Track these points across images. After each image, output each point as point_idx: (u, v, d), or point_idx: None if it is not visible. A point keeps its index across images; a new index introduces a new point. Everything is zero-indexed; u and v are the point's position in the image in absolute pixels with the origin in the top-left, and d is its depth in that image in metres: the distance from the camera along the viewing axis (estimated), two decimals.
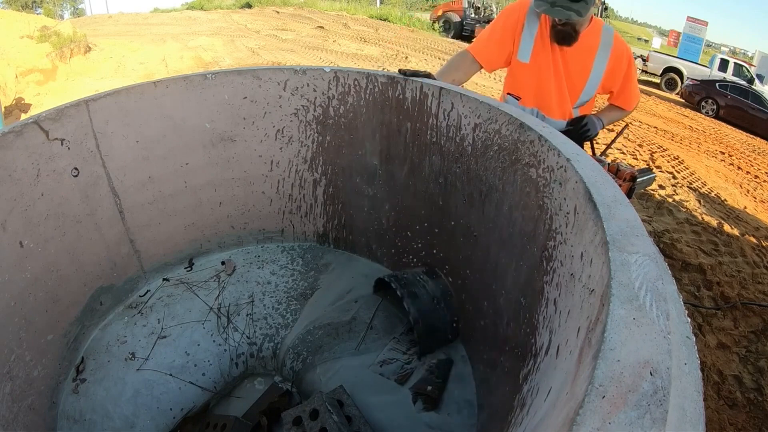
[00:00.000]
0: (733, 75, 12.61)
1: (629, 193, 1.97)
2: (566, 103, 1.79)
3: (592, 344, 0.53)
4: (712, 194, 5.35)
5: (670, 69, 13.65)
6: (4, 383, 1.01)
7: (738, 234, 4.20)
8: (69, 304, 1.27)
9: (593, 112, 1.89)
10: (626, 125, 2.27)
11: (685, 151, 7.08)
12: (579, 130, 1.78)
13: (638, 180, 1.86)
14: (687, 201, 4.79)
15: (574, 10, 1.54)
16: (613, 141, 2.20)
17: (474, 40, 1.92)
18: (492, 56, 1.81)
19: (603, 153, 2.19)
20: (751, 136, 9.80)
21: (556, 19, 1.60)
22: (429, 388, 1.23)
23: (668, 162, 6.23)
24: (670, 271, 0.62)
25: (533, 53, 1.74)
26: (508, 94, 1.85)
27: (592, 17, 1.73)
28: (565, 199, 0.87)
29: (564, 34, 1.64)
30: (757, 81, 12.71)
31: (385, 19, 16.86)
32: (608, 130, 6.67)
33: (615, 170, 1.94)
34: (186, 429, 1.26)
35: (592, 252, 0.69)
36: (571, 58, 1.73)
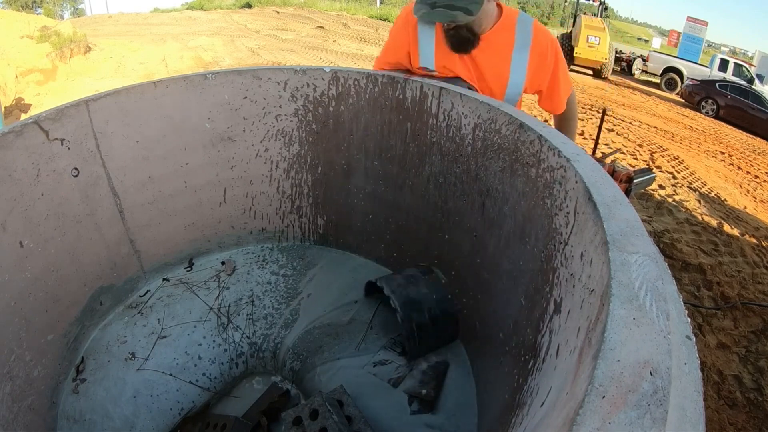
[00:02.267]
0: (733, 75, 12.63)
1: (626, 195, 1.96)
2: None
3: (592, 344, 0.53)
4: (712, 194, 5.35)
5: (670, 69, 13.67)
6: (4, 383, 1.01)
7: (738, 234, 4.20)
8: (69, 304, 1.27)
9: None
10: (604, 110, 2.15)
11: (685, 151, 7.08)
12: None
13: (636, 181, 1.84)
14: (687, 201, 4.79)
15: (460, 8, 1.28)
16: (599, 133, 2.17)
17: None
18: (392, 67, 1.58)
19: (593, 151, 2.16)
20: (751, 136, 9.81)
21: (444, 24, 1.37)
22: (423, 391, 1.23)
23: (668, 162, 6.23)
24: (670, 271, 0.62)
25: (437, 59, 1.49)
26: None
27: (501, 8, 1.45)
28: (565, 198, 0.87)
29: (459, 40, 1.40)
30: (757, 81, 12.72)
31: (385, 19, 16.86)
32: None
33: (611, 171, 1.91)
34: (186, 429, 1.26)
35: (592, 252, 0.69)
36: (483, 63, 1.46)
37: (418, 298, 1.35)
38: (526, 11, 1.75)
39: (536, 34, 1.44)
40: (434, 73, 1.53)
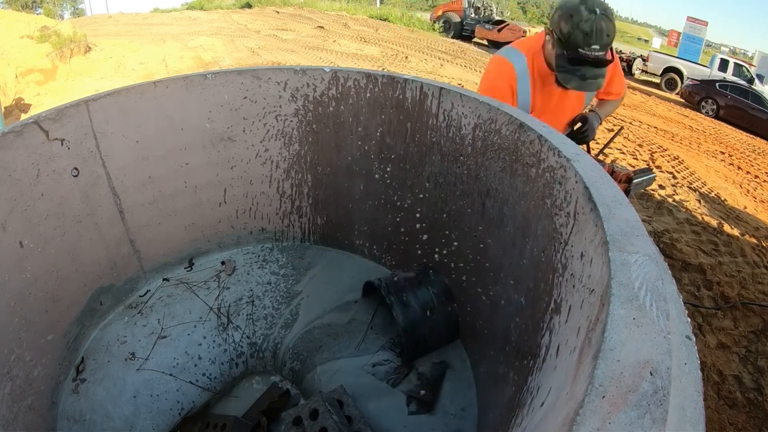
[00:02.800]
0: (733, 75, 12.62)
1: (625, 195, 1.94)
2: (568, 121, 1.80)
3: (592, 344, 0.53)
4: (712, 194, 5.35)
5: (670, 69, 13.66)
6: (4, 383, 1.01)
7: (738, 234, 4.20)
8: (69, 304, 1.27)
9: (585, 109, 1.86)
10: (621, 128, 2.20)
11: (685, 151, 7.08)
12: (578, 135, 1.75)
13: (635, 181, 1.83)
14: (687, 201, 4.79)
15: (602, 75, 1.47)
16: (607, 144, 2.17)
17: None
18: None
19: (597, 155, 2.16)
20: (751, 136, 9.80)
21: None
22: (422, 392, 1.23)
23: (668, 162, 6.23)
24: (670, 271, 0.62)
25: (531, 106, 1.66)
26: None
27: None
28: (565, 198, 0.87)
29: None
30: (757, 81, 12.72)
31: (385, 19, 16.86)
32: (606, 129, 6.66)
33: (610, 171, 1.90)
34: (186, 429, 1.26)
35: (592, 252, 0.69)
36: (570, 98, 1.69)
37: (416, 300, 1.35)
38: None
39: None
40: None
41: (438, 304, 1.37)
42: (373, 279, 1.41)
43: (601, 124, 1.83)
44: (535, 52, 1.59)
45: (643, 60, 14.67)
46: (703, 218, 4.38)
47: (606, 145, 2.16)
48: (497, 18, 15.30)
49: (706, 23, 15.74)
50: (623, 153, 6.19)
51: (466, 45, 13.87)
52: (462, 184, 1.32)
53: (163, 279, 1.59)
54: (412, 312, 1.32)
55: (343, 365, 1.33)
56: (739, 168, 6.96)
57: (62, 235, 1.22)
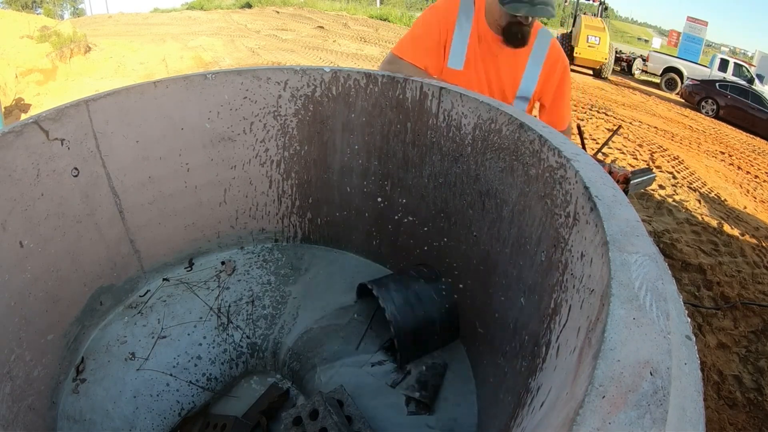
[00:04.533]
0: (733, 75, 12.63)
1: None
2: None
3: (592, 344, 0.53)
4: (712, 194, 5.35)
5: (670, 69, 13.68)
6: (4, 383, 1.01)
7: (738, 234, 4.21)
8: (69, 304, 1.27)
9: None
10: (618, 127, 2.17)
11: (685, 151, 7.09)
12: None
13: (634, 181, 1.82)
14: (687, 201, 4.79)
15: (551, 4, 1.41)
16: (604, 144, 2.16)
17: (398, 43, 1.70)
18: (424, 60, 1.60)
19: (595, 155, 2.15)
20: (751, 136, 9.81)
21: (521, 19, 1.45)
22: (421, 392, 1.22)
23: (668, 162, 6.23)
24: (670, 271, 0.62)
25: (466, 59, 1.58)
26: None
27: None
28: (564, 198, 0.87)
29: (523, 35, 1.50)
30: (757, 81, 12.73)
31: (385, 19, 16.87)
32: (606, 129, 6.67)
33: (608, 172, 1.90)
34: (186, 429, 1.26)
35: (592, 252, 0.69)
36: (504, 62, 1.58)
37: (414, 302, 1.35)
38: None
39: (552, 47, 1.57)
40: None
41: (437, 304, 1.37)
42: (367, 281, 1.40)
43: None
44: (480, 6, 1.55)
45: (643, 60, 14.69)
46: (703, 218, 4.38)
47: (603, 145, 2.16)
48: None
49: (706, 23, 15.74)
50: (623, 153, 6.20)
51: None
52: (462, 185, 1.32)
53: (163, 279, 1.59)
54: (407, 314, 1.31)
55: (343, 365, 1.33)
56: (739, 168, 6.97)
57: (62, 235, 1.22)
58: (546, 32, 1.59)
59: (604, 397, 0.42)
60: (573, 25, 14.76)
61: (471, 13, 1.55)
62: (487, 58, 1.57)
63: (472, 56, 1.57)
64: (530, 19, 1.46)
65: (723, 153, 7.59)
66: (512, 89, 1.59)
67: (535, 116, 1.33)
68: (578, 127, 2.36)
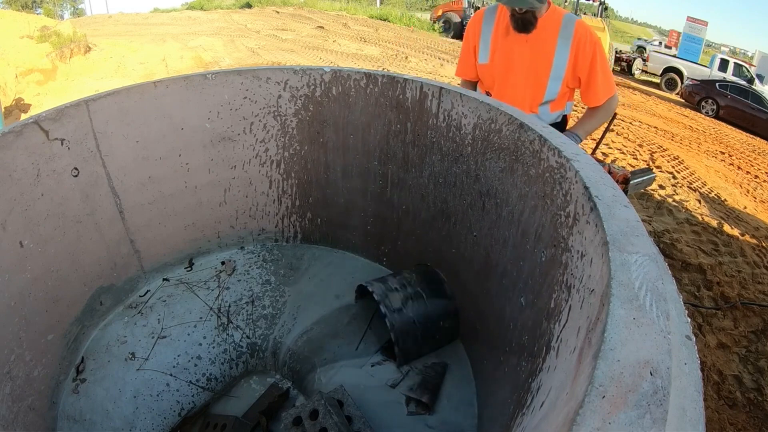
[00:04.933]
0: (733, 75, 12.62)
1: None
2: (534, 95, 1.80)
3: (592, 344, 0.53)
4: (712, 194, 5.35)
5: (670, 69, 13.66)
6: (4, 383, 1.01)
7: (738, 234, 4.20)
8: (69, 304, 1.27)
9: (570, 128, 1.85)
10: (614, 115, 2.14)
11: (685, 151, 7.08)
12: None
13: (633, 182, 1.83)
14: (687, 201, 4.78)
15: None
16: (602, 137, 2.15)
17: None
18: (470, 73, 1.95)
19: (593, 152, 2.15)
20: (751, 136, 9.80)
21: (516, 9, 1.66)
22: (421, 392, 1.22)
23: (668, 162, 6.23)
24: (670, 271, 0.62)
25: (491, 52, 1.82)
26: None
27: (549, 4, 1.77)
28: (565, 198, 0.87)
29: (524, 22, 1.69)
30: (757, 81, 12.72)
31: (385, 19, 16.86)
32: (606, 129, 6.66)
33: (608, 172, 1.90)
34: (186, 429, 1.26)
35: (592, 252, 0.69)
36: (533, 48, 1.74)
37: (414, 303, 1.35)
38: None
39: (579, 27, 1.71)
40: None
41: (437, 304, 1.37)
42: (365, 282, 1.39)
43: (581, 141, 1.79)
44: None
45: (643, 60, 14.68)
46: (703, 218, 4.38)
47: (601, 138, 2.16)
48: None
49: (706, 23, 15.73)
50: (623, 153, 6.19)
51: None
52: (462, 185, 1.32)
53: (163, 279, 1.59)
54: (406, 314, 1.31)
55: (343, 365, 1.33)
56: (739, 168, 6.96)
57: (62, 235, 1.22)
58: (571, 16, 1.74)
59: (604, 397, 0.42)
60: None
61: (493, 16, 1.82)
62: (515, 48, 1.77)
63: (495, 49, 1.81)
64: (522, 9, 1.65)
65: (723, 153, 7.59)
66: (546, 70, 1.75)
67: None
68: None
